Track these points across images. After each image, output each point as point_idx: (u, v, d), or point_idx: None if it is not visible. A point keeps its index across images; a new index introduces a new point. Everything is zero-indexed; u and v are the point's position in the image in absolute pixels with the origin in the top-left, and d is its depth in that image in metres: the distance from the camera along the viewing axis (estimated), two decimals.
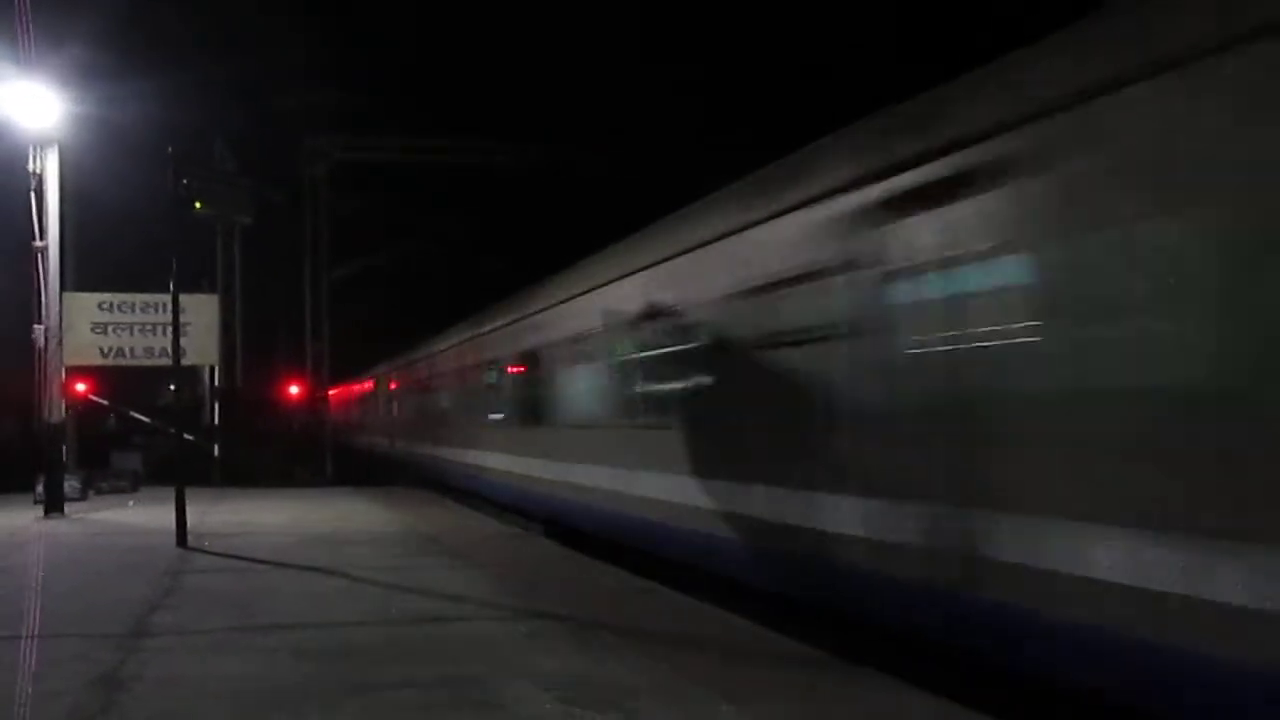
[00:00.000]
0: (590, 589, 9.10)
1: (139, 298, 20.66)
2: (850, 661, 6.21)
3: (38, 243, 17.00)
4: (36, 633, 7.22)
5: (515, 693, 5.58)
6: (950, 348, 5.66)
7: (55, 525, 15.35)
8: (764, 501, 7.58)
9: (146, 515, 15.79)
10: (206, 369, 25.97)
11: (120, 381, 27.21)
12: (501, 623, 7.60)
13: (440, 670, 6.10)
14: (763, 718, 5.09)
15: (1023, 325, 5.16)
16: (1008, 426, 5.23)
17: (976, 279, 5.53)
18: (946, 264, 5.70)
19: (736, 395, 8.22)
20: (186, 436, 18.98)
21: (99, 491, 20.69)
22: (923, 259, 5.87)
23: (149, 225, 19.82)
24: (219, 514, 16.14)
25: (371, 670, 6.12)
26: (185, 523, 12.31)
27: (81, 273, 20.86)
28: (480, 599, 8.52)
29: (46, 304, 17.33)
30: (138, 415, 28.39)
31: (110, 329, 20.59)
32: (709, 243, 8.87)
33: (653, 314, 9.92)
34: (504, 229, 36.63)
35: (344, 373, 37.98)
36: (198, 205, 14.16)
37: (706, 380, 8.76)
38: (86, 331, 20.11)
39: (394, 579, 9.53)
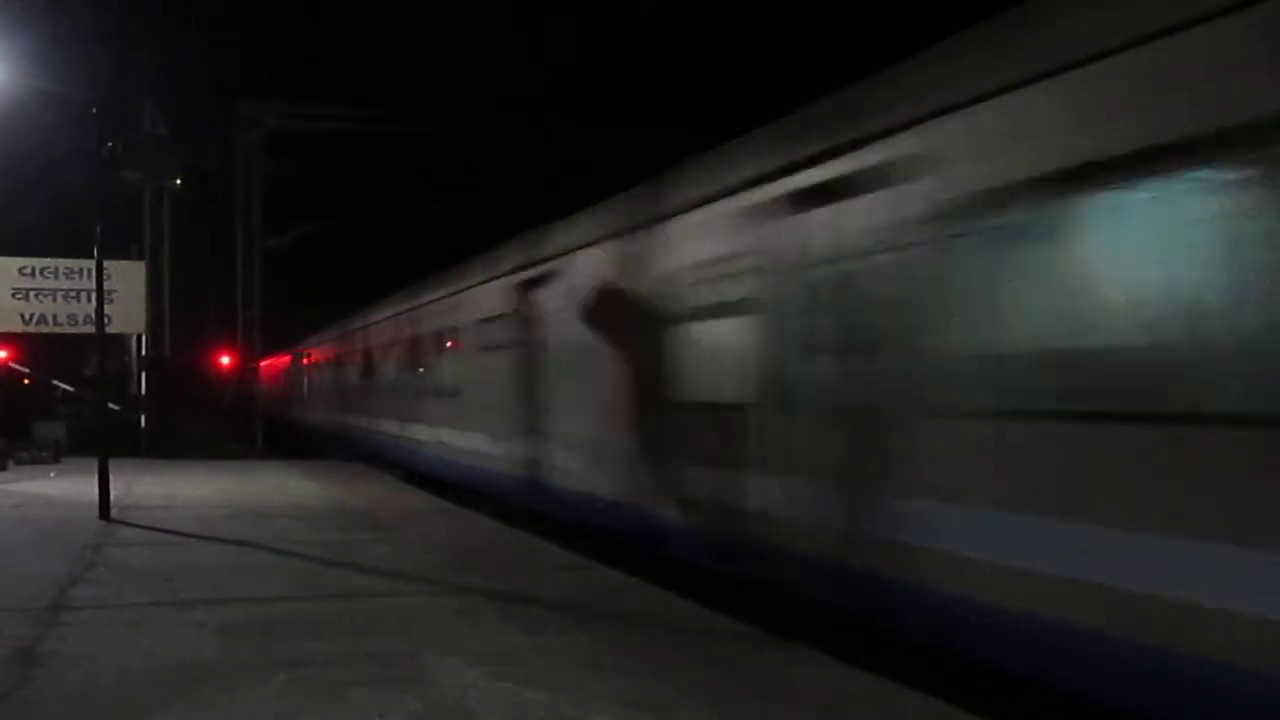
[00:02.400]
0: (523, 565, 9.10)
1: (62, 263, 20.11)
2: (782, 638, 6.30)
3: None
4: None
5: (444, 667, 5.57)
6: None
7: None
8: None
9: (69, 486, 15.42)
10: (134, 337, 25.35)
11: (45, 349, 26.49)
12: (432, 597, 7.58)
13: (368, 645, 6.07)
14: (688, 690, 5.15)
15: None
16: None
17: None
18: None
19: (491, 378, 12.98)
20: (112, 406, 18.54)
21: (19, 462, 20.17)
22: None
23: (73, 188, 19.23)
24: (144, 486, 15.82)
25: (298, 645, 6.06)
26: (109, 494, 12.05)
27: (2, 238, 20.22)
28: (411, 573, 8.48)
29: None
30: (62, 384, 27.64)
31: (32, 295, 20.01)
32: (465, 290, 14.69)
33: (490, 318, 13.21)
34: (441, 202, 36.25)
35: (276, 344, 37.38)
36: (127, 174, 13.74)
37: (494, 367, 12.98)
38: (7, 296, 19.57)
39: (323, 553, 9.44)
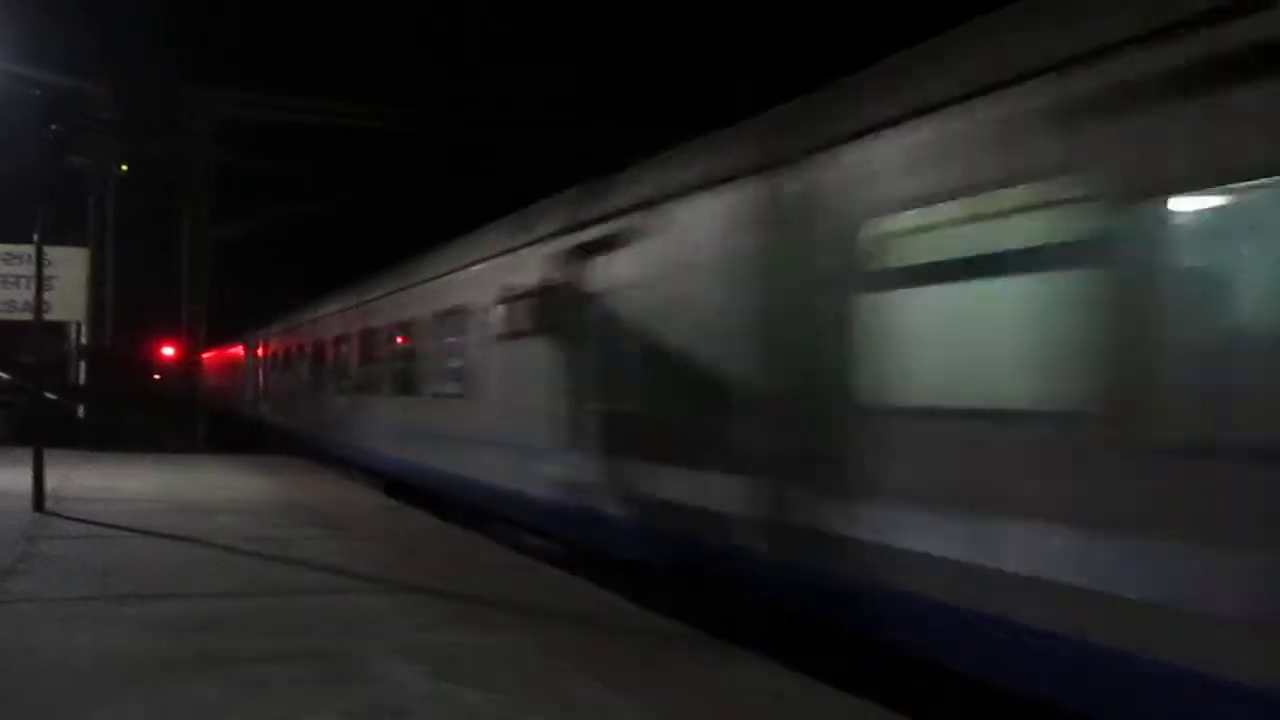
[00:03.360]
0: (466, 563, 9.10)
1: (1, 248, 19.60)
2: (722, 640, 6.37)
3: None
4: None
5: (383, 666, 5.57)
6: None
7: None
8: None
9: (2, 477, 15.07)
10: (74, 326, 24.81)
11: None
12: (374, 596, 7.55)
13: (308, 643, 6.04)
14: (626, 690, 5.20)
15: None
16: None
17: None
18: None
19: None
20: (49, 396, 18.14)
21: None
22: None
23: (14, 172, 18.80)
24: (82, 478, 15.53)
25: (235, 643, 6.01)
26: (44, 486, 11.81)
27: None
28: (353, 571, 8.44)
29: None
30: None
31: None
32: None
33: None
34: (395, 196, 35.98)
35: (221, 336, 36.82)
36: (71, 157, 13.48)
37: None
38: None
39: (264, 550, 9.35)
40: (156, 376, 32.82)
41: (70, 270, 19.75)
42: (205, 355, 33.45)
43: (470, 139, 29.92)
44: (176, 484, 15.41)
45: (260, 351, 31.79)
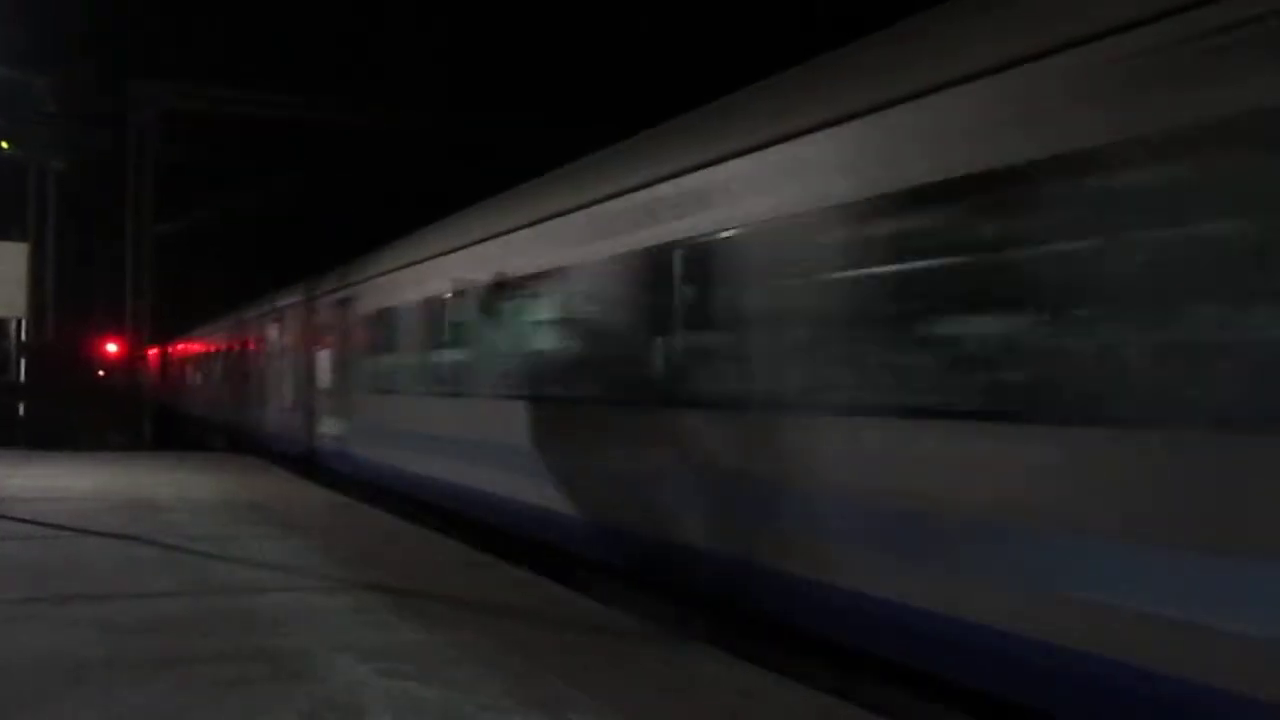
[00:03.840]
0: (425, 561, 8.99)
1: None
2: (682, 636, 6.36)
3: None
4: None
5: (336, 665, 5.48)
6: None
7: None
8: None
9: None
10: (14, 322, 24.24)
11: None
12: (327, 594, 7.43)
13: (259, 643, 5.93)
14: (587, 687, 5.16)
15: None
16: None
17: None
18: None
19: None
20: None
21: None
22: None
23: None
24: (22, 478, 15.16)
25: (185, 643, 5.89)
26: None
27: None
28: (305, 569, 8.31)
29: None
30: None
31: None
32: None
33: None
34: (339, 191, 35.61)
35: (167, 332, 36.16)
36: (3, 145, 13.10)
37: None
38: None
39: (213, 548, 9.18)
40: (101, 373, 32.17)
41: (10, 265, 19.27)
42: (150, 351, 32.80)
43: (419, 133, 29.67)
44: (122, 482, 15.09)
45: (220, 345, 31.06)
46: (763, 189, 6.27)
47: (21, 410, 23.92)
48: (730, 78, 7.48)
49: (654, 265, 7.37)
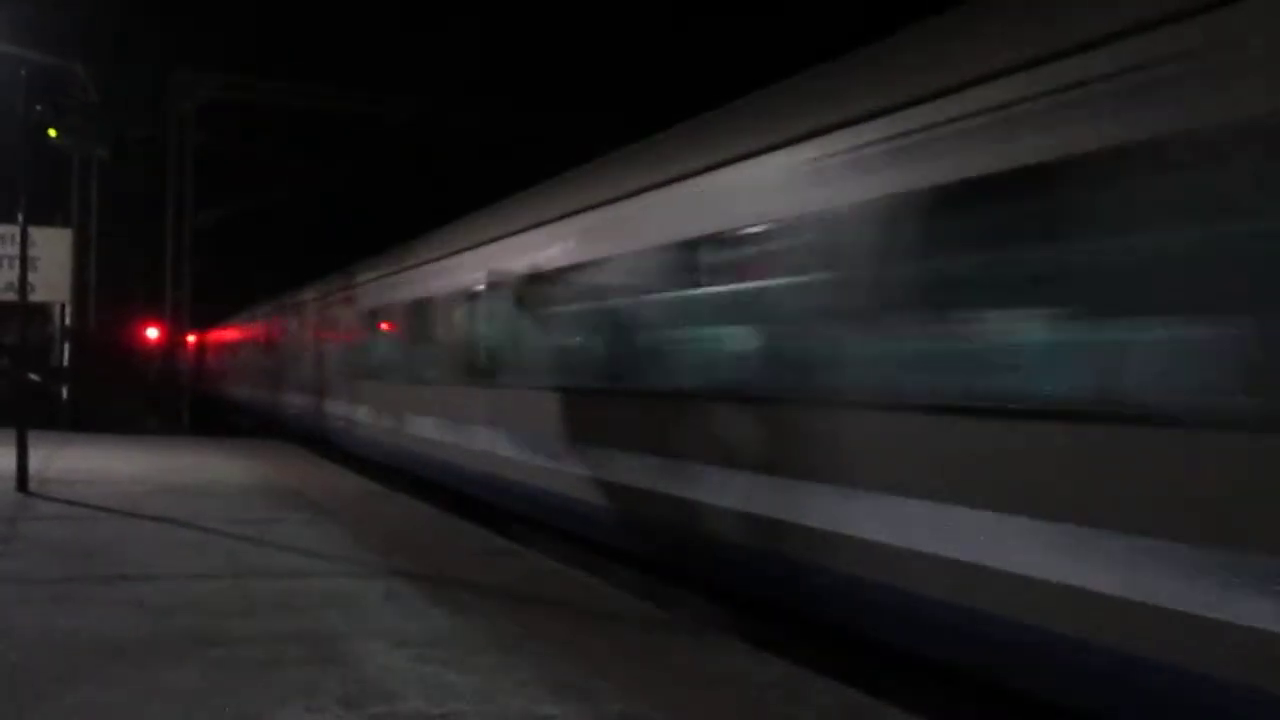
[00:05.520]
0: (453, 549, 9.09)
1: None
2: (704, 626, 6.39)
3: None
4: None
5: (368, 649, 5.57)
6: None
7: None
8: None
9: None
10: (58, 307, 24.64)
11: None
12: (359, 580, 7.54)
13: (292, 626, 6.03)
14: (610, 674, 5.21)
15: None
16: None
17: None
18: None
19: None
20: (32, 376, 18.01)
21: None
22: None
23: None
24: (65, 460, 15.45)
25: (220, 624, 6.00)
26: (27, 467, 11.74)
27: None
28: (339, 555, 8.43)
29: None
30: None
31: None
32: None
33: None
34: (379, 182, 35.86)
35: (205, 319, 36.61)
36: (52, 133, 13.30)
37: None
38: None
39: (249, 532, 9.33)
40: (145, 359, 32.65)
41: (54, 251, 19.60)
42: (190, 338, 33.27)
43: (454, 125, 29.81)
44: (160, 466, 15.34)
45: (240, 336, 31.43)
46: (818, 183, 5.91)
47: (64, 394, 24.32)
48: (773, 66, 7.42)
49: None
